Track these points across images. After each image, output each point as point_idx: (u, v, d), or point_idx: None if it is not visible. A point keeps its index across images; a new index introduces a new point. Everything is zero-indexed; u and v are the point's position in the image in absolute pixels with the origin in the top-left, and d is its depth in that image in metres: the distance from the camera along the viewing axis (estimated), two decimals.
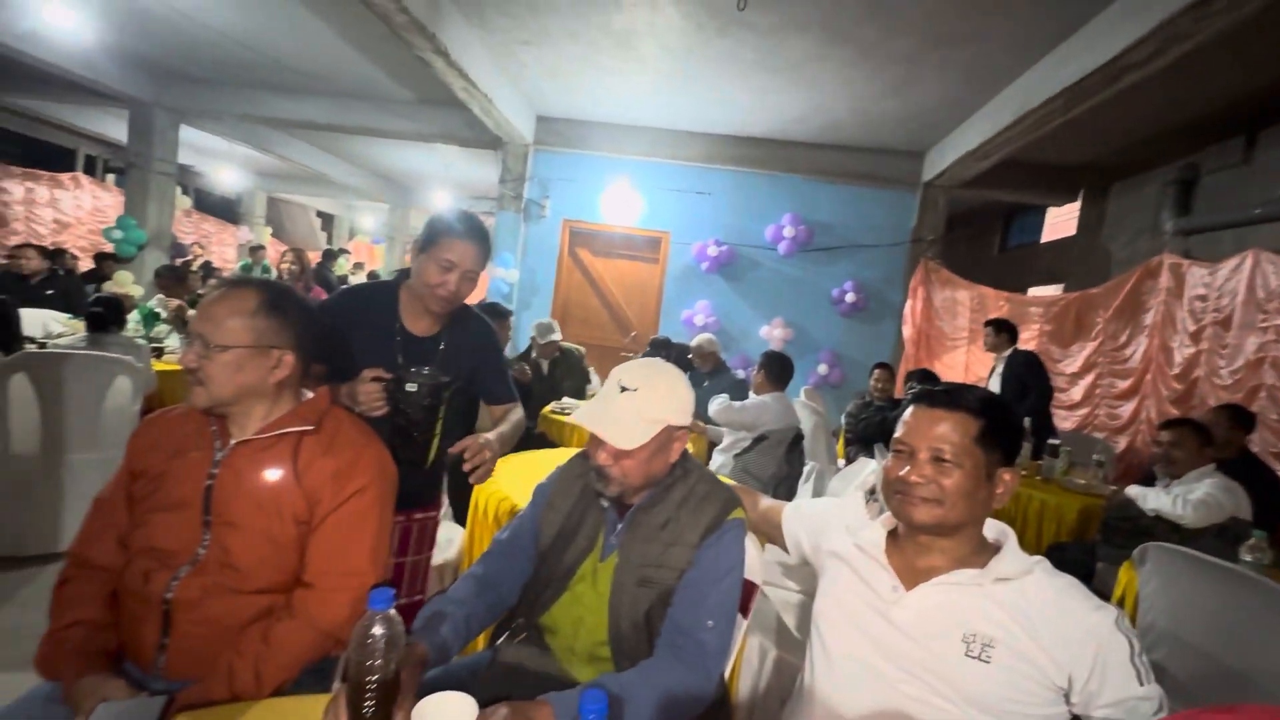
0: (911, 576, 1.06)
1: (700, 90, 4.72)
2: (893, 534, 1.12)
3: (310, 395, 1.24)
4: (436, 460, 1.50)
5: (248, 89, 6.20)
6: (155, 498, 1.13)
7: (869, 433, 3.87)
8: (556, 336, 3.86)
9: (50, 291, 4.77)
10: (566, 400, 3.71)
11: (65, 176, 9.34)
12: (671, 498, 1.17)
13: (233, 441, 1.14)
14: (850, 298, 5.64)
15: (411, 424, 1.40)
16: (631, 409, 1.13)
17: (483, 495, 2.08)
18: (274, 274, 5.47)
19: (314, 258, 7.80)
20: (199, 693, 0.99)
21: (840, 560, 1.16)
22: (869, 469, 2.37)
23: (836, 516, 1.25)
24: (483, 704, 0.86)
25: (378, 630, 0.80)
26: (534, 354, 3.91)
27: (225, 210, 12.41)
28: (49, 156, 9.75)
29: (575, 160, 5.95)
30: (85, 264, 6.67)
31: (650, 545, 1.13)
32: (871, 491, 1.23)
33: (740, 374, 4.58)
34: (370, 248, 13.93)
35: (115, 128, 8.33)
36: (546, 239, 6.08)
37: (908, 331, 5.66)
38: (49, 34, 4.95)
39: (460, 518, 2.56)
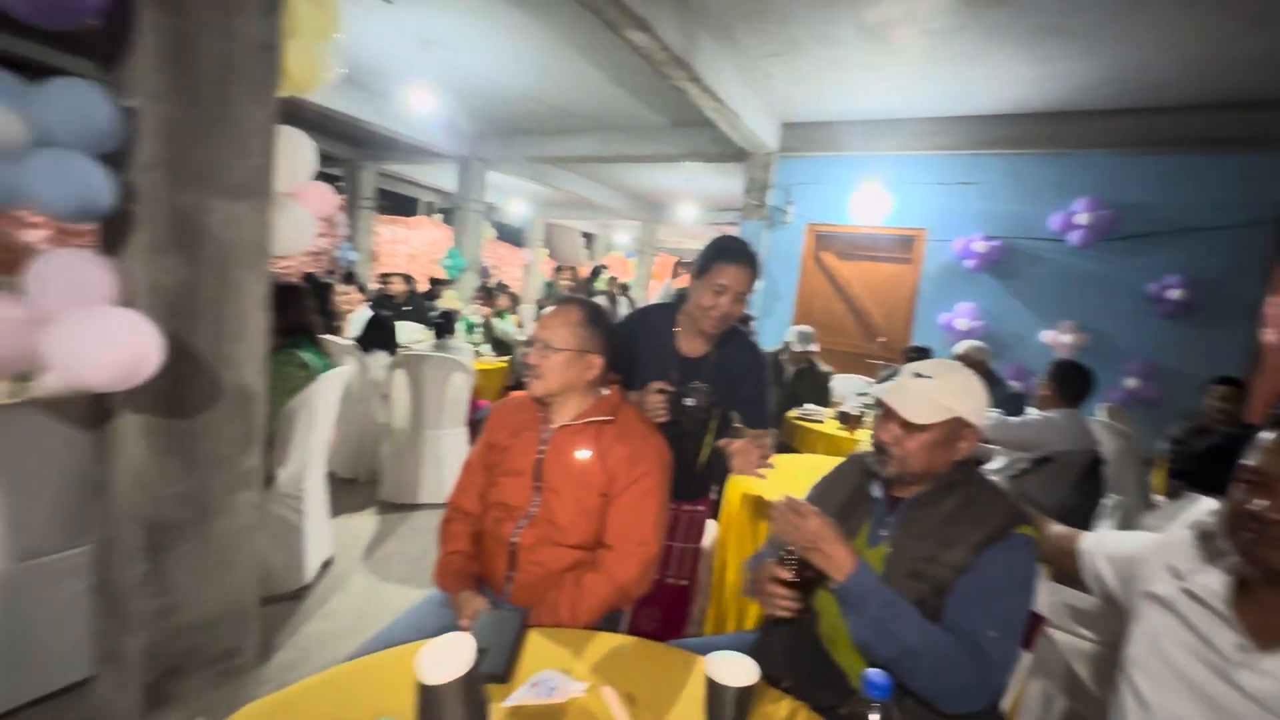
0: (1268, 636, 0.88)
1: (966, 71, 4.28)
2: (1242, 582, 0.94)
3: (606, 393, 1.51)
4: (706, 464, 1.71)
5: (534, 135, 7.42)
6: (503, 465, 1.48)
7: (1202, 466, 3.07)
8: (814, 348, 3.87)
9: (408, 308, 6.34)
10: (809, 406, 3.69)
11: (412, 220, 12.26)
12: (950, 499, 1.14)
13: (554, 425, 1.45)
14: (1175, 294, 4.49)
15: (687, 432, 1.60)
16: (925, 392, 1.15)
17: (735, 490, 2.22)
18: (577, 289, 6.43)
19: (582, 272, 8.96)
20: (536, 616, 1.29)
21: (1162, 606, 1.01)
22: (1201, 507, 1.92)
23: (1157, 554, 1.08)
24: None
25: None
26: (782, 357, 3.97)
27: (513, 237, 14.92)
28: (401, 205, 12.85)
29: (820, 163, 5.85)
30: (422, 286, 8.70)
31: (924, 541, 1.12)
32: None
33: (1015, 386, 4.02)
34: (624, 261, 15.44)
35: (443, 178, 10.64)
36: (789, 245, 6.08)
37: (1273, 337, 4.32)
38: (410, 114, 6.60)
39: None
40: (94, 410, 1.67)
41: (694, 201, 10.35)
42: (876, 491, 1.24)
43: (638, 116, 6.26)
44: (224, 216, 1.66)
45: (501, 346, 5.10)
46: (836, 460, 1.50)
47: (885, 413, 1.18)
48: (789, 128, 5.87)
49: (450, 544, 1.49)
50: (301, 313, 2.43)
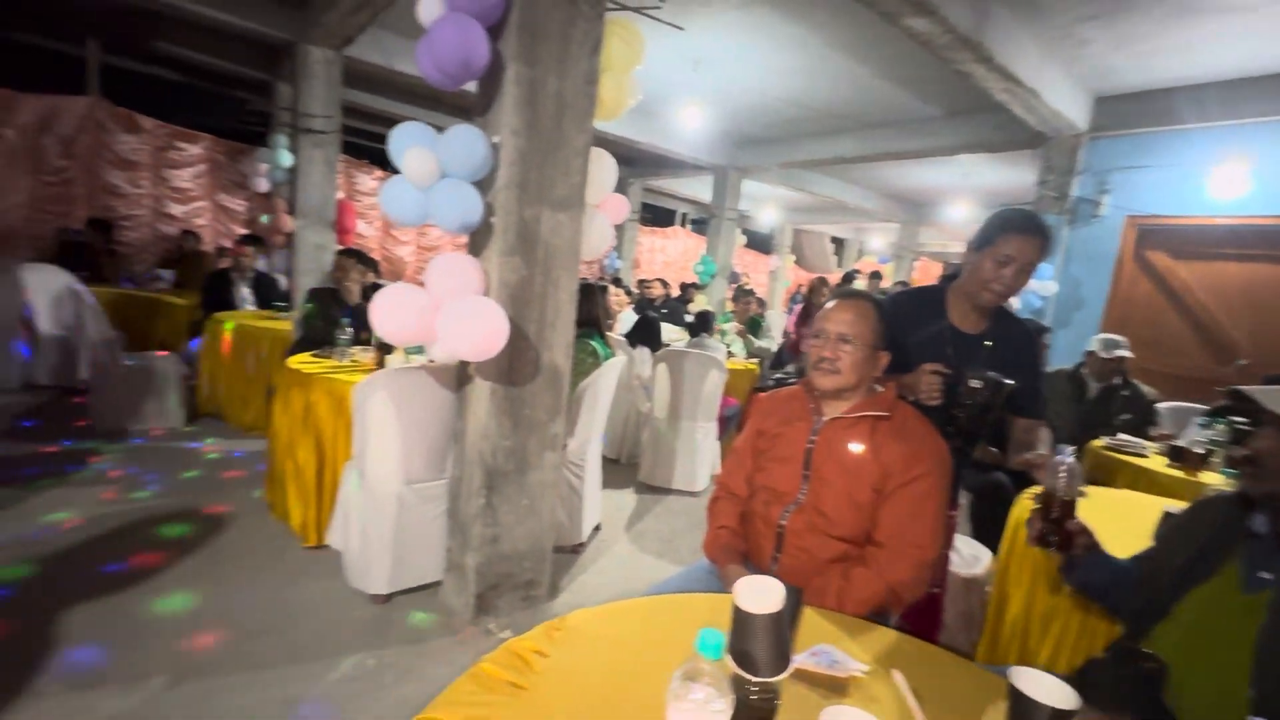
0: None
1: None
2: None
3: (880, 389, 1.47)
4: (969, 457, 1.58)
5: (790, 140, 7.41)
6: (772, 451, 1.55)
7: None
8: (1124, 353, 3.20)
9: (664, 310, 6.87)
10: (1124, 437, 3.03)
11: (669, 230, 13.21)
12: None
13: (826, 417, 1.46)
14: None
15: (964, 417, 1.50)
16: None
17: (1024, 511, 1.96)
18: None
19: (833, 279, 8.66)
20: (804, 597, 1.33)
21: None
22: None
23: None
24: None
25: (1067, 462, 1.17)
26: (1084, 371, 3.35)
27: (760, 244, 15.05)
28: (661, 216, 13.91)
29: (1150, 141, 4.75)
30: (674, 291, 9.34)
31: None
32: None
33: None
34: (877, 267, 14.45)
35: (699, 189, 11.26)
36: (1099, 243, 5.06)
37: None
38: (676, 132, 7.15)
39: (987, 540, 2.46)
40: (459, 377, 2.20)
41: (967, 199, 9.24)
42: (1261, 526, 1.00)
43: (906, 110, 5.84)
44: (551, 225, 2.04)
45: (753, 349, 5.23)
46: (1164, 501, 1.27)
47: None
48: (1104, 103, 4.89)
49: (719, 520, 1.61)
50: (594, 308, 2.84)
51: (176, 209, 6.74)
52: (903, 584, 1.30)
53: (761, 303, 7.01)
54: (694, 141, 7.56)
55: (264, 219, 6.47)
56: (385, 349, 2.87)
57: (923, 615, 1.78)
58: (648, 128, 7.23)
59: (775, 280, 13.76)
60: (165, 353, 4.06)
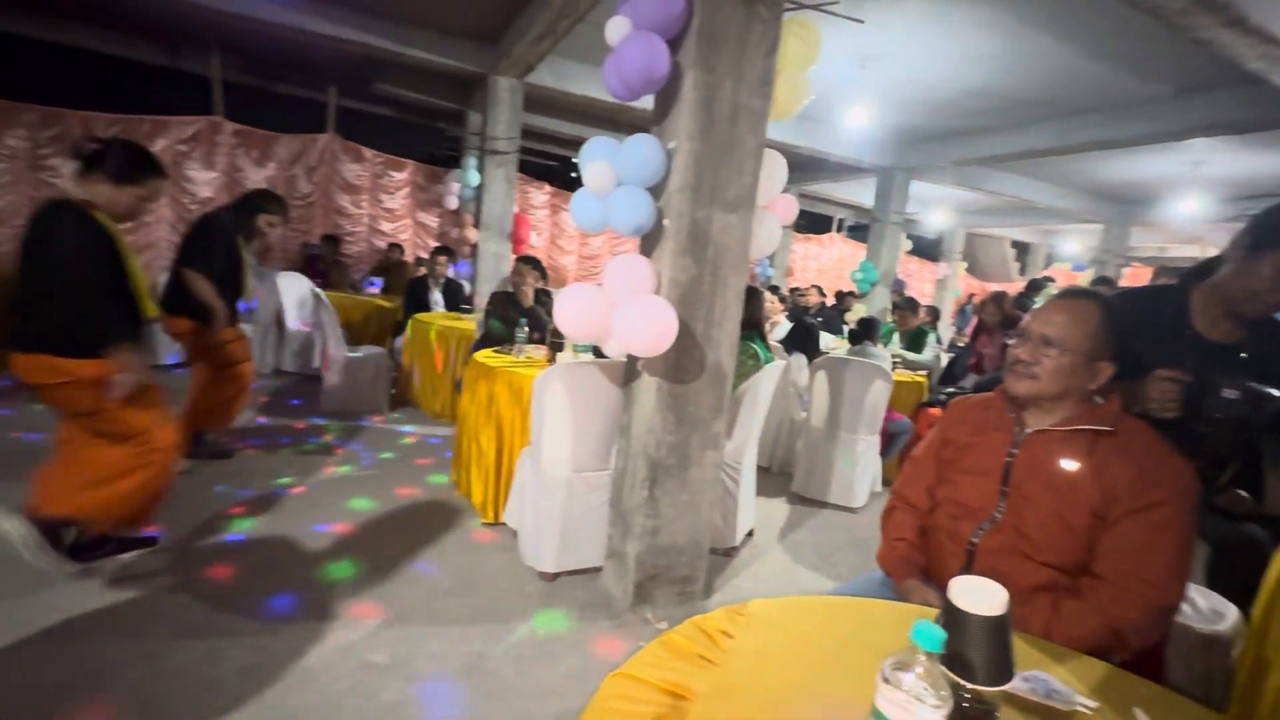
0: None
1: None
2: None
3: (1100, 401, 1.29)
4: (1224, 487, 1.32)
5: (968, 135, 6.78)
6: (961, 462, 1.43)
7: None
8: None
9: (819, 319, 6.62)
10: None
11: (824, 236, 12.72)
12: None
13: (1030, 429, 1.32)
14: None
15: (1212, 434, 1.26)
16: None
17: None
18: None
19: (1013, 289, 7.76)
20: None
21: None
22: None
23: None
24: None
25: None
26: None
27: (927, 250, 13.92)
28: (816, 223, 13.45)
29: None
30: (829, 301, 8.95)
31: None
32: None
33: None
34: (1071, 276, 12.66)
35: (858, 193, 10.70)
36: None
37: None
38: (837, 134, 6.88)
39: (1231, 594, 2.04)
40: (627, 372, 2.31)
41: (1199, 192, 7.77)
42: None
43: (1121, 91, 5.07)
44: (722, 225, 2.07)
45: (912, 362, 4.85)
46: None
47: None
48: None
49: (895, 531, 1.51)
50: (756, 311, 2.82)
51: (386, 225, 7.85)
52: (1130, 626, 1.13)
53: (934, 311, 6.48)
54: (856, 142, 7.22)
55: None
56: (557, 346, 3.10)
57: (1139, 667, 1.52)
58: (806, 131, 7.05)
59: (943, 289, 12.64)
60: (376, 348, 4.74)
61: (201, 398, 3.12)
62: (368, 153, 7.57)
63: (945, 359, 5.53)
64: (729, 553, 2.87)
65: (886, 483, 3.84)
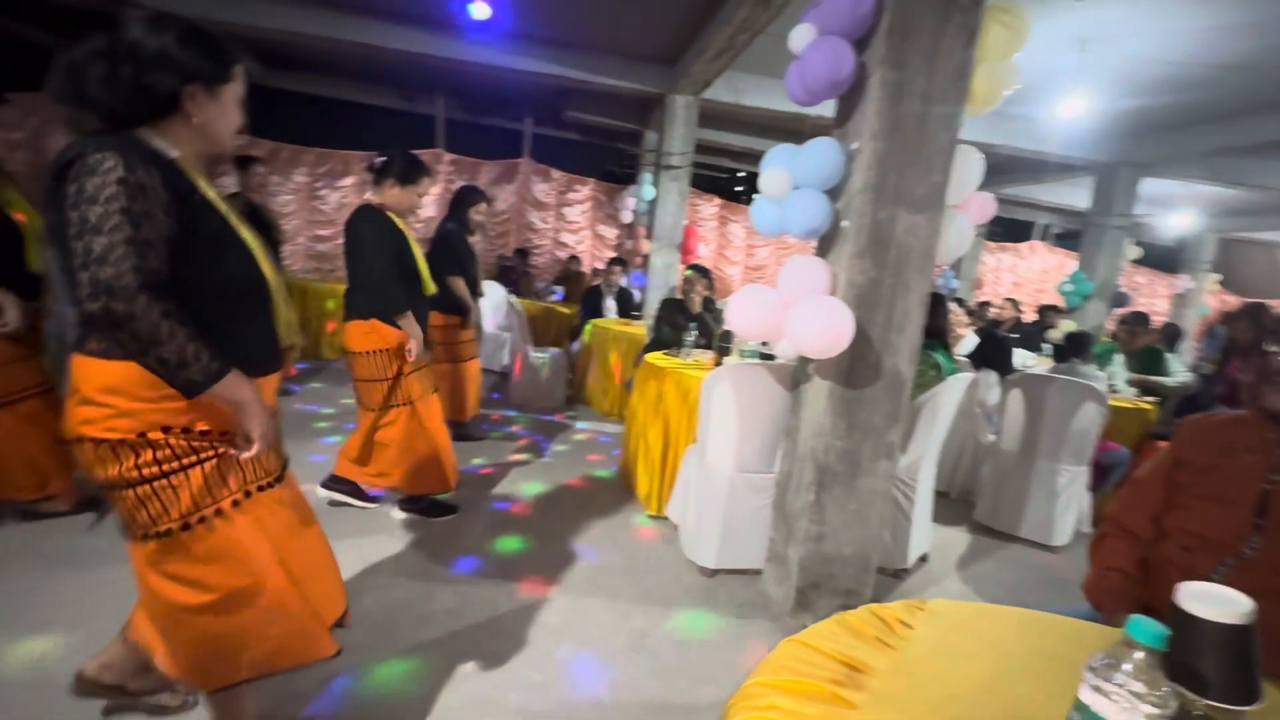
0: None
1: None
2: None
3: None
4: None
5: (1225, 120, 5.62)
6: (1198, 488, 1.23)
7: None
8: None
9: (1014, 335, 5.92)
10: None
11: (1024, 245, 11.31)
12: None
13: None
14: None
15: None
16: None
17: None
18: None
19: None
20: None
21: None
22: None
23: None
24: None
25: None
26: None
27: (1161, 260, 11.71)
28: (1013, 230, 12.01)
29: None
30: (1028, 316, 7.91)
31: None
32: None
33: None
34: None
35: (1067, 194, 9.36)
36: None
37: None
38: (1043, 128, 6.12)
39: None
40: (796, 375, 2.30)
41: None
42: None
43: None
44: (906, 226, 1.99)
45: (1152, 387, 4.12)
46: None
47: None
48: None
49: (1107, 559, 1.35)
50: (940, 319, 2.65)
51: (568, 238, 8.57)
52: None
53: (1172, 330, 5.46)
54: (1067, 137, 6.35)
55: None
56: (724, 350, 3.17)
57: None
58: (1005, 128, 6.37)
59: (1183, 305, 10.55)
60: (556, 350, 5.20)
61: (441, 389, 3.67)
62: (554, 173, 8.34)
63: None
64: (898, 574, 2.70)
65: (1096, 522, 3.32)
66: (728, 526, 2.48)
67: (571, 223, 8.55)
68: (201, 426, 1.13)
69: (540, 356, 4.88)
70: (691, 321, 3.86)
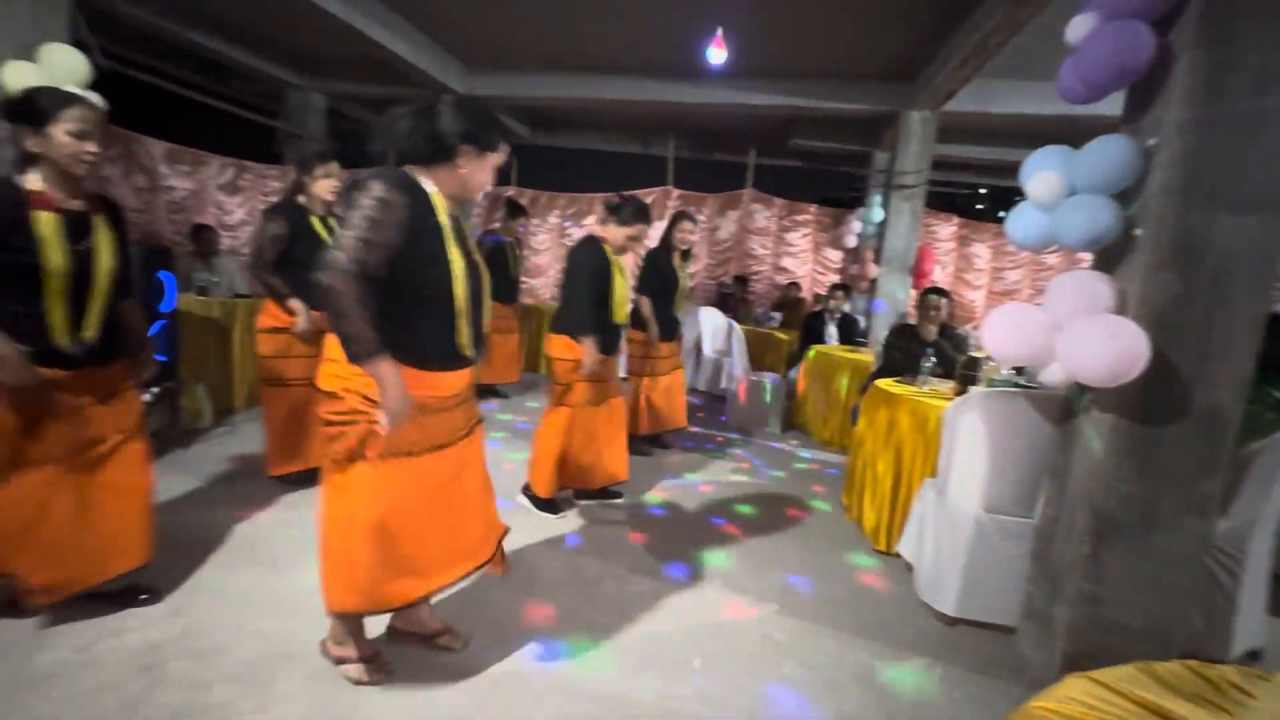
0: None
1: None
2: None
3: None
4: None
5: None
6: None
7: None
8: None
9: None
10: None
11: None
12: None
13: None
14: None
15: None
16: None
17: None
18: None
19: None
20: None
21: None
22: None
23: None
24: None
25: None
26: None
27: None
28: None
29: None
30: None
31: None
32: None
33: None
34: None
35: None
36: None
37: None
38: None
39: None
40: (1065, 407, 2.01)
41: None
42: None
43: None
44: (1228, 231, 1.64)
45: None
46: None
47: None
48: None
49: None
50: None
51: (789, 264, 8.53)
52: None
53: None
54: None
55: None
56: (968, 378, 2.88)
57: None
58: None
59: None
60: (775, 375, 5.20)
61: (635, 403, 3.97)
62: (776, 200, 8.40)
63: None
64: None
65: None
66: (972, 572, 2.23)
67: (792, 248, 8.50)
68: (372, 394, 1.44)
69: (762, 381, 4.93)
70: (926, 348, 3.58)
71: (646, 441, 4.02)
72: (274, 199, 6.70)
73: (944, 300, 3.83)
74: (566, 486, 2.99)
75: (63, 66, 2.71)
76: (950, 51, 4.39)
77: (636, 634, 2.06)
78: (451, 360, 1.57)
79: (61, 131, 1.60)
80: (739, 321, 6.90)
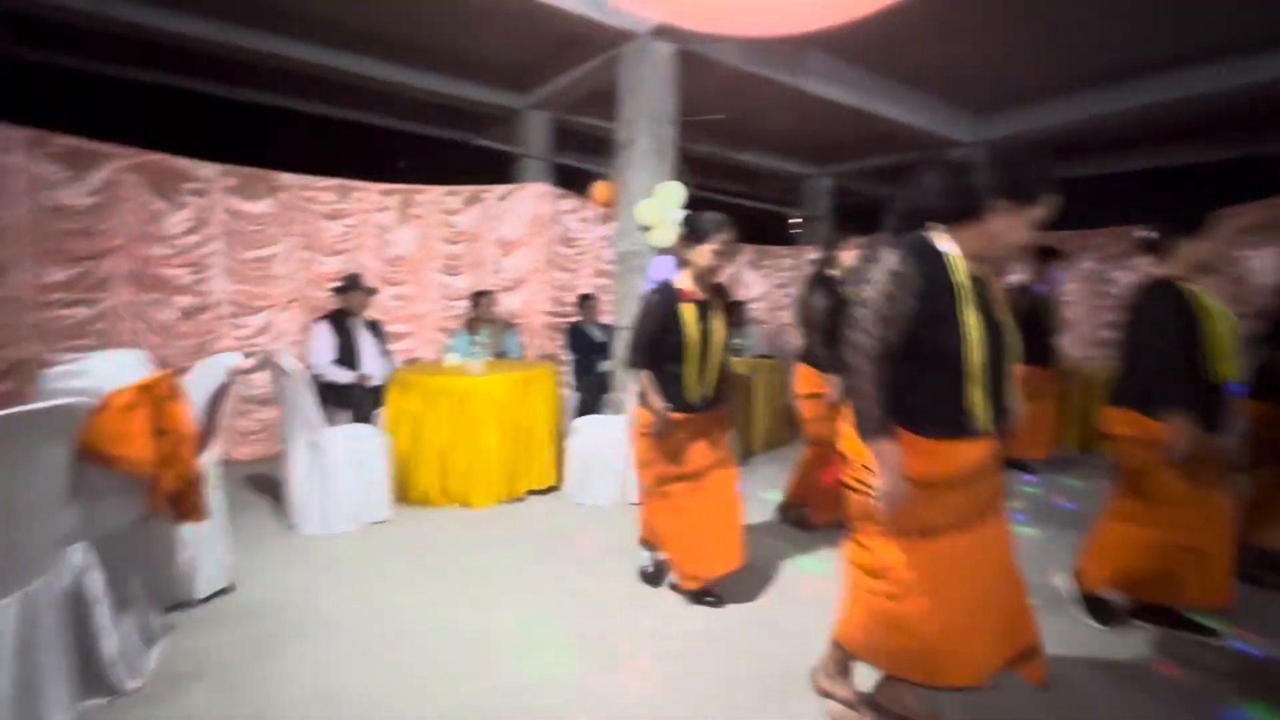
0: None
1: None
2: None
3: None
4: None
5: None
6: None
7: None
8: None
9: None
10: None
11: None
12: None
13: None
14: None
15: None
16: None
17: None
18: None
19: None
20: None
21: None
22: None
23: None
24: None
25: None
26: None
27: None
28: None
29: None
30: None
31: None
32: None
33: None
34: None
35: None
36: None
37: None
38: None
39: None
40: None
41: None
42: None
43: None
44: None
45: None
46: None
47: None
48: None
49: None
50: None
51: None
52: None
53: None
54: None
55: None
56: None
57: None
58: None
59: None
60: None
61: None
62: None
63: None
64: None
65: None
66: None
67: None
68: (872, 466, 1.42)
69: None
70: None
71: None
72: (785, 274, 7.72)
73: None
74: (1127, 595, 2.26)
75: (669, 196, 3.81)
76: None
77: None
78: (960, 429, 1.42)
79: (709, 248, 2.15)
80: None
